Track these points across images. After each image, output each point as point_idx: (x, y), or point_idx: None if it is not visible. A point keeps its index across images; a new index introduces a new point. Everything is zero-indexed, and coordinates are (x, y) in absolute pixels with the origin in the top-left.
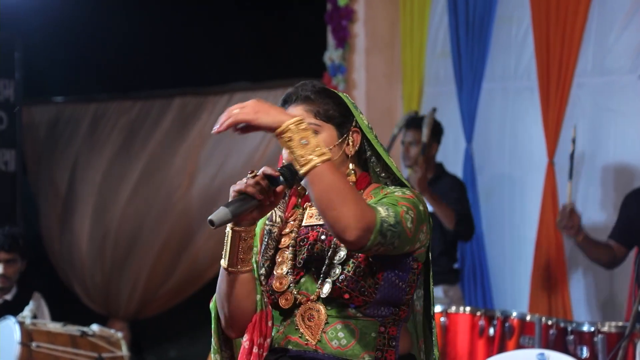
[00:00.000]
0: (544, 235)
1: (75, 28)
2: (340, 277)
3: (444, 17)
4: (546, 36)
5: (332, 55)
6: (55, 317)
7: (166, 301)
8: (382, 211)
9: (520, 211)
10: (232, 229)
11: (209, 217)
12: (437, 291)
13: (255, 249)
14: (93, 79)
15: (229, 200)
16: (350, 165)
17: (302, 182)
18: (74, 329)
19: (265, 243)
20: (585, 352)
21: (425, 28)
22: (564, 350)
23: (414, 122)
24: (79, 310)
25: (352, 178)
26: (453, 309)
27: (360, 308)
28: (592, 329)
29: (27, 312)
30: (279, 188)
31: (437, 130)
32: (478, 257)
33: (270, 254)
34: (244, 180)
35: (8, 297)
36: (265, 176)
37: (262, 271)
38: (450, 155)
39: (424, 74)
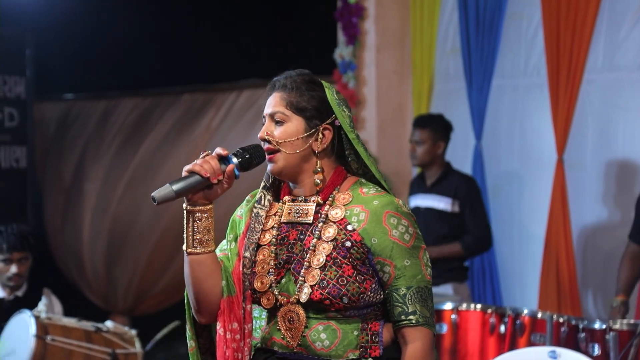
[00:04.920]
0: (553, 233)
1: (86, 25)
2: (321, 283)
3: (454, 14)
4: (556, 33)
5: (342, 52)
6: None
7: (166, 297)
8: (425, 321)
9: (530, 208)
10: (186, 209)
11: (152, 194)
12: (447, 289)
13: (232, 235)
14: (103, 76)
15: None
16: (318, 163)
17: None
18: (88, 325)
19: (252, 226)
20: (596, 350)
21: (435, 25)
22: (576, 347)
23: (420, 121)
24: (82, 304)
25: (320, 176)
26: (464, 306)
27: (340, 311)
28: (604, 326)
29: (42, 306)
30: (229, 167)
31: (445, 129)
32: (487, 255)
33: (257, 236)
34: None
35: (19, 293)
36: (218, 157)
37: (247, 254)
38: (460, 152)
39: (434, 71)
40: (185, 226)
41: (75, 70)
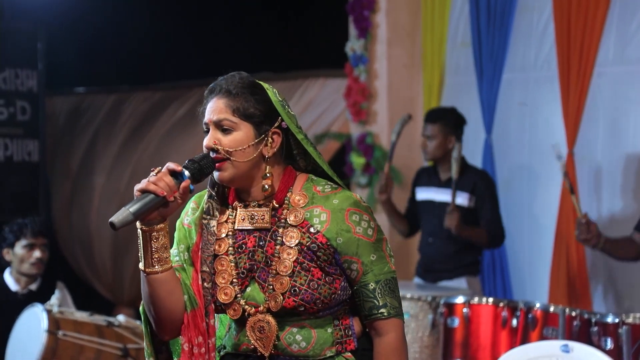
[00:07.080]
0: (563, 226)
1: (97, 20)
2: (292, 290)
3: (465, 7)
4: (567, 26)
5: (353, 45)
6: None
7: None
8: (396, 312)
9: (540, 202)
10: (141, 229)
11: (110, 219)
12: (461, 282)
13: (183, 245)
14: (114, 70)
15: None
16: (267, 168)
17: None
18: (100, 319)
19: (205, 238)
20: (609, 344)
21: (446, 18)
22: (588, 341)
23: (431, 116)
24: (90, 296)
25: (268, 181)
26: (476, 300)
27: (314, 313)
28: (617, 320)
29: (54, 300)
30: (184, 183)
31: (456, 123)
32: (497, 248)
33: (212, 248)
34: (148, 178)
35: (33, 287)
36: (169, 172)
37: (205, 268)
38: (470, 146)
39: (444, 65)
40: (141, 246)
41: (86, 64)
